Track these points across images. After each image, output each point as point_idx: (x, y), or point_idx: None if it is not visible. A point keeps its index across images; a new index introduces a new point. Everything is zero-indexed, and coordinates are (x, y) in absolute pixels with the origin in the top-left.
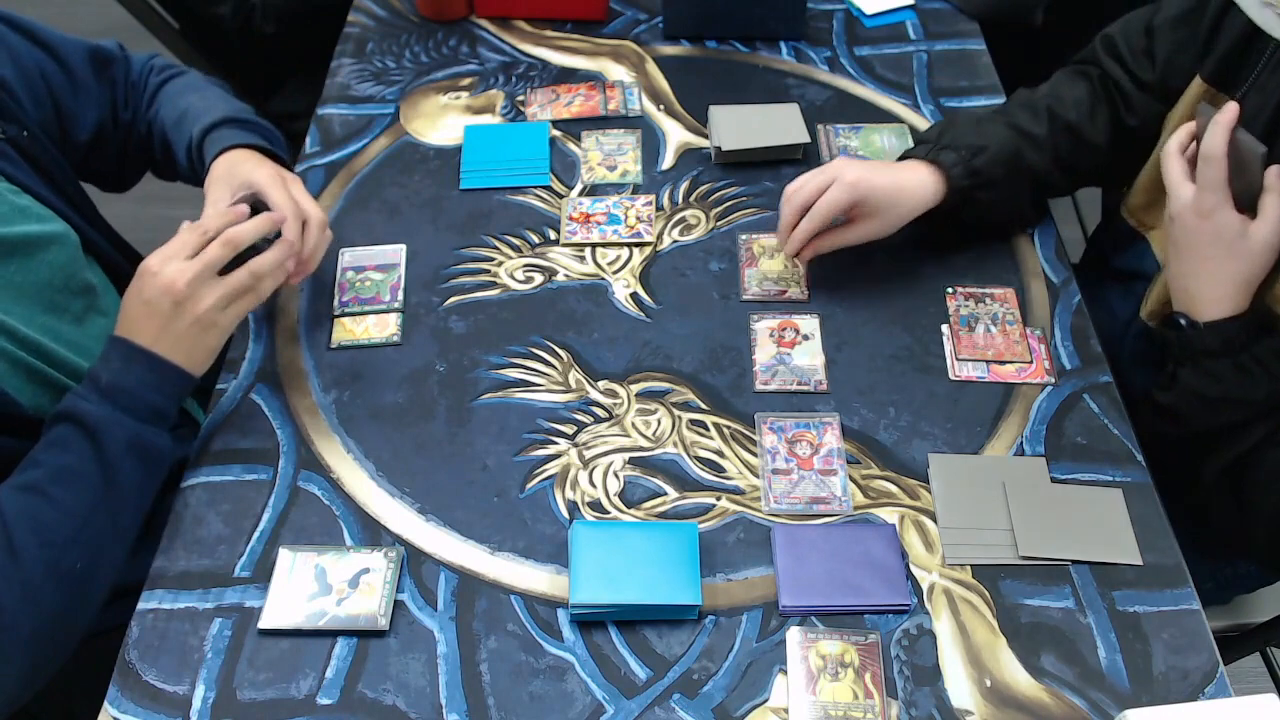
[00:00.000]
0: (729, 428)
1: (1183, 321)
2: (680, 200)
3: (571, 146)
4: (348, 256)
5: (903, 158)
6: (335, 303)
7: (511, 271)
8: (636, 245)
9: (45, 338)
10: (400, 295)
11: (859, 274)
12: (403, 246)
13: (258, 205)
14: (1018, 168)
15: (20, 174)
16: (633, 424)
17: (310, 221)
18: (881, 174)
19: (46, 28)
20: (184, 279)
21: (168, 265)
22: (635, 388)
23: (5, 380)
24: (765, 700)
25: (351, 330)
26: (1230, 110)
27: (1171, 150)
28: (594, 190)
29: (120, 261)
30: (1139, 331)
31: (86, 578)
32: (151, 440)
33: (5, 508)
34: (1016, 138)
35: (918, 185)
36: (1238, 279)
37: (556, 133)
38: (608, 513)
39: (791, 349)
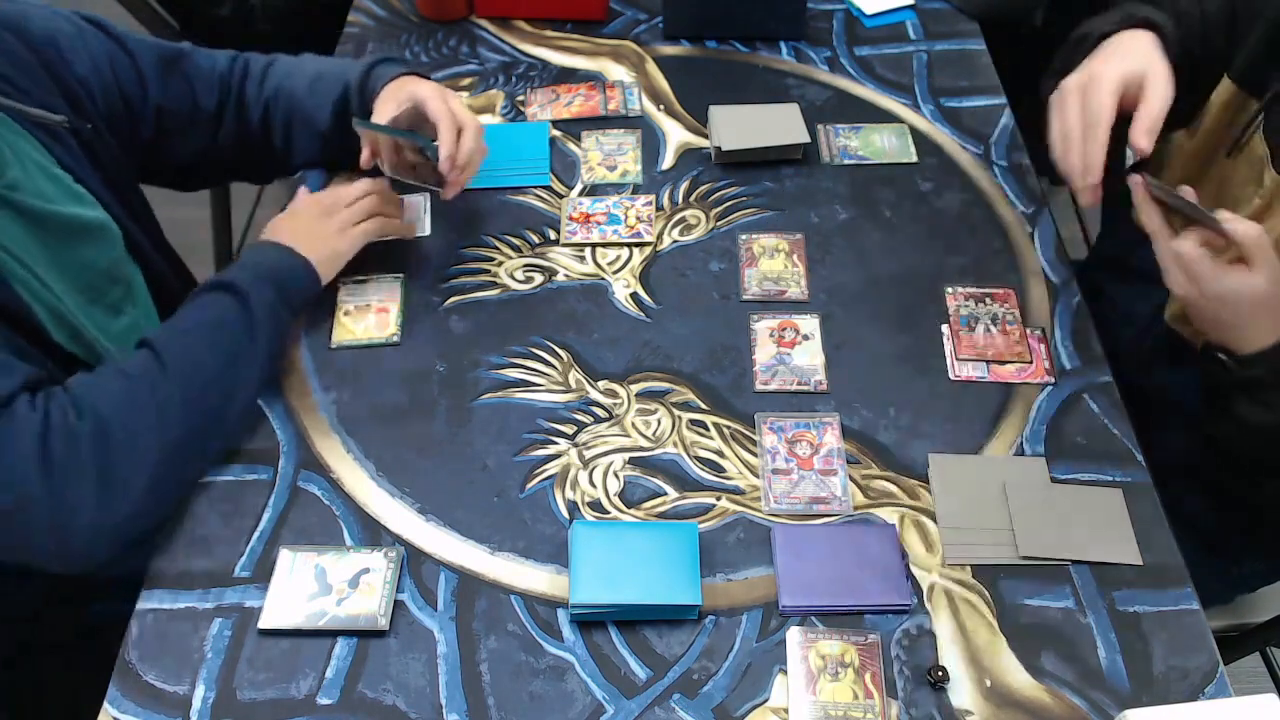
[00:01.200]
0: (729, 428)
1: (1223, 357)
2: (680, 200)
3: (571, 146)
4: None
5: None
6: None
7: (511, 271)
8: (636, 245)
9: (79, 315)
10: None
11: (859, 274)
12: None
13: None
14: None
15: (78, 166)
16: (633, 424)
17: (465, 129)
18: (1139, 49)
19: (121, 28)
20: (330, 198)
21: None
22: (635, 388)
23: (38, 312)
24: (765, 700)
25: (351, 330)
26: (1139, 185)
27: (1180, 250)
28: (594, 190)
29: (160, 264)
30: (1162, 333)
31: (220, 414)
32: (284, 316)
33: (155, 340)
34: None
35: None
36: (1266, 317)
37: (556, 133)
38: (608, 513)
39: (791, 349)
